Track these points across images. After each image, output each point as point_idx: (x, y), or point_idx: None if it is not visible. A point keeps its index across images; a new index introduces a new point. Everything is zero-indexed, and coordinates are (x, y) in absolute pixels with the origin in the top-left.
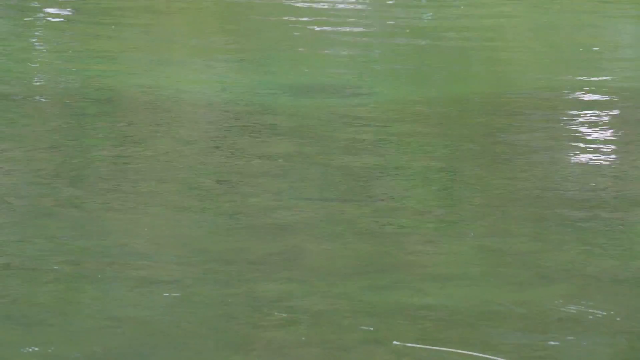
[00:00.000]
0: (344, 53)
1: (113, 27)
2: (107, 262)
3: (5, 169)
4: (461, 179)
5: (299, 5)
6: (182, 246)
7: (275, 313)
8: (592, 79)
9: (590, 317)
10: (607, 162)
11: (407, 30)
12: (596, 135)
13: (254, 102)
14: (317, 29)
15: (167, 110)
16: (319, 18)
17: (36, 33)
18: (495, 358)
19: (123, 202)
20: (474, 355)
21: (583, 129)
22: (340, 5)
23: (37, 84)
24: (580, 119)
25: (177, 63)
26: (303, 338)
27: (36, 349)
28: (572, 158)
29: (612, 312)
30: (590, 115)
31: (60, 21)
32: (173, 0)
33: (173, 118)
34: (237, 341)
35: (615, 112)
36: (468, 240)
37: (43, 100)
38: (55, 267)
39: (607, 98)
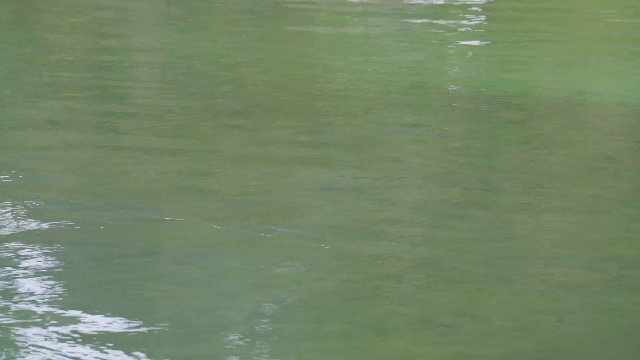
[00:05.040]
0: None
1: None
2: (515, 266)
3: (416, 164)
4: None
5: None
6: (591, 251)
7: None
8: None
9: None
10: None
11: None
12: None
13: None
14: None
15: (577, 113)
16: None
17: (448, 34)
18: None
19: (531, 205)
20: None
21: None
22: None
23: (451, 82)
24: None
25: (588, 66)
26: None
27: (448, 349)
28: None
29: None
30: None
31: (476, 24)
32: (587, 3)
33: (583, 121)
34: None
35: None
36: None
37: (455, 99)
38: (466, 268)
39: None
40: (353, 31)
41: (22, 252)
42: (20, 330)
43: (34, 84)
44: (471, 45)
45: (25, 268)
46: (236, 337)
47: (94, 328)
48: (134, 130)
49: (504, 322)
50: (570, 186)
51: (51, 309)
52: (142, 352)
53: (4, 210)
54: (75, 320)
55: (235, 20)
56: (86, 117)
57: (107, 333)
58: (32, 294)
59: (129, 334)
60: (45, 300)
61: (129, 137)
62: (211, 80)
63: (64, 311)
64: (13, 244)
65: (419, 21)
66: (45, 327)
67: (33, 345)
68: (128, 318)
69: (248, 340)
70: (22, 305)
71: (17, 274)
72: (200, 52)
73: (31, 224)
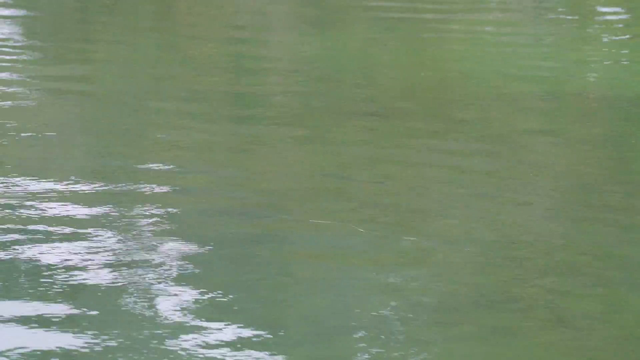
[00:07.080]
0: None
1: None
2: None
3: (552, 168)
4: None
5: None
6: None
7: None
8: None
9: None
10: None
11: None
12: None
13: None
14: None
15: None
16: None
17: (588, 35)
18: None
19: None
20: None
21: None
22: None
23: (590, 85)
24: None
25: None
26: None
27: (581, 354)
28: None
29: None
30: None
31: (617, 26)
32: None
33: None
34: None
35: None
36: None
37: (593, 102)
38: (601, 273)
39: None
40: (487, 36)
41: (157, 255)
42: (156, 328)
43: (173, 87)
44: (612, 46)
45: (160, 269)
46: (367, 339)
47: (228, 329)
48: (270, 132)
49: (638, 329)
50: None
51: (186, 309)
52: (275, 351)
53: (140, 214)
54: (209, 320)
55: (369, 23)
56: (222, 119)
57: (240, 333)
58: (168, 294)
59: (262, 334)
60: (181, 301)
61: (264, 140)
62: (346, 83)
63: (198, 311)
64: (149, 247)
65: (557, 22)
66: (179, 328)
67: (168, 341)
68: (261, 318)
69: (379, 341)
70: (159, 307)
71: (152, 276)
72: (335, 54)
73: (167, 226)
